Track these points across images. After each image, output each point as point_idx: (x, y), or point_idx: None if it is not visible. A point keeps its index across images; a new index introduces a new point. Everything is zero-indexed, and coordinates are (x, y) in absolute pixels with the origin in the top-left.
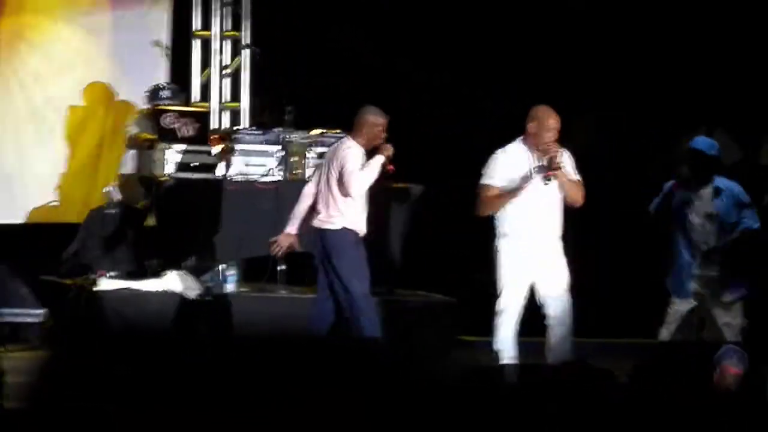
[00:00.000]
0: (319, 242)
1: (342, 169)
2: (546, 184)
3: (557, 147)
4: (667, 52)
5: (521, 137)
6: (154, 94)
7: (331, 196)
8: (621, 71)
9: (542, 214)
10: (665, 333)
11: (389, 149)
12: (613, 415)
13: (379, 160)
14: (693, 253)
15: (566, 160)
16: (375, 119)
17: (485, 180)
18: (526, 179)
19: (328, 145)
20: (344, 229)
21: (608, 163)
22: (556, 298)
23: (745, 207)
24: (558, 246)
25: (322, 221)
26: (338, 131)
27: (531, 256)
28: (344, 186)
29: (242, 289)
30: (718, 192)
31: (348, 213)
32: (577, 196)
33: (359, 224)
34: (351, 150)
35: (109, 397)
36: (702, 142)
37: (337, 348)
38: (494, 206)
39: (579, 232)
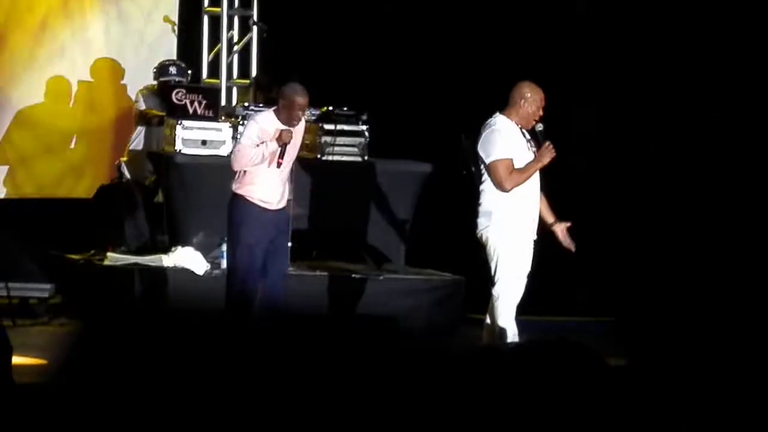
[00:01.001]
0: None
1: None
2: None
3: (541, 125)
4: (673, 47)
5: (503, 112)
6: (162, 70)
7: None
8: (623, 64)
9: (534, 198)
10: None
11: (287, 136)
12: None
13: (271, 146)
14: None
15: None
16: (293, 98)
17: (497, 155)
18: (523, 152)
19: (338, 122)
20: (236, 197)
21: (610, 154)
22: (523, 282)
23: None
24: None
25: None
26: (346, 108)
27: (528, 240)
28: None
29: None
30: None
31: (245, 183)
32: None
33: (257, 195)
34: (251, 121)
35: (122, 372)
36: None
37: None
38: (520, 179)
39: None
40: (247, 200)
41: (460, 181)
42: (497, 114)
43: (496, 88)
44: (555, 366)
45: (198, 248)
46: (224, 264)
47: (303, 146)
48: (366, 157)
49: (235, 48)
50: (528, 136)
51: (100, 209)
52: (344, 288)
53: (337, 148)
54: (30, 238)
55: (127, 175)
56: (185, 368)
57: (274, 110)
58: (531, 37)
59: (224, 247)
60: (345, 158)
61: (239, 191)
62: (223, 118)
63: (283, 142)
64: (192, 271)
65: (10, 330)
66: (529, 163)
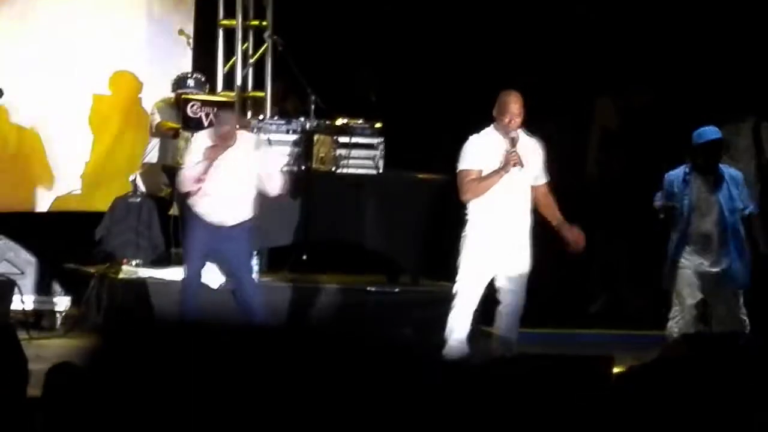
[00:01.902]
0: None
1: None
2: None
3: (515, 133)
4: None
5: (494, 124)
6: (179, 82)
7: None
8: (644, 56)
9: (511, 204)
10: (675, 328)
11: (211, 154)
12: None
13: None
14: (699, 242)
15: (536, 154)
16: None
17: (464, 165)
18: (502, 165)
19: (352, 134)
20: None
21: (632, 149)
22: (513, 291)
23: (745, 192)
24: (524, 237)
25: None
26: (360, 121)
27: (496, 246)
28: None
29: (265, 279)
30: (720, 180)
31: (193, 195)
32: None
33: (200, 208)
34: (192, 141)
35: (135, 386)
36: (712, 132)
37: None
38: (478, 190)
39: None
40: (192, 212)
41: None
42: (492, 125)
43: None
44: (567, 380)
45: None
46: None
47: (318, 159)
48: (381, 170)
49: (250, 61)
50: (515, 148)
51: (114, 222)
52: (358, 300)
53: (351, 161)
54: (46, 251)
55: (142, 187)
56: (200, 381)
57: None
58: (543, 46)
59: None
60: (360, 171)
61: (188, 202)
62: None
63: (207, 159)
64: (206, 285)
65: (25, 343)
66: (491, 172)
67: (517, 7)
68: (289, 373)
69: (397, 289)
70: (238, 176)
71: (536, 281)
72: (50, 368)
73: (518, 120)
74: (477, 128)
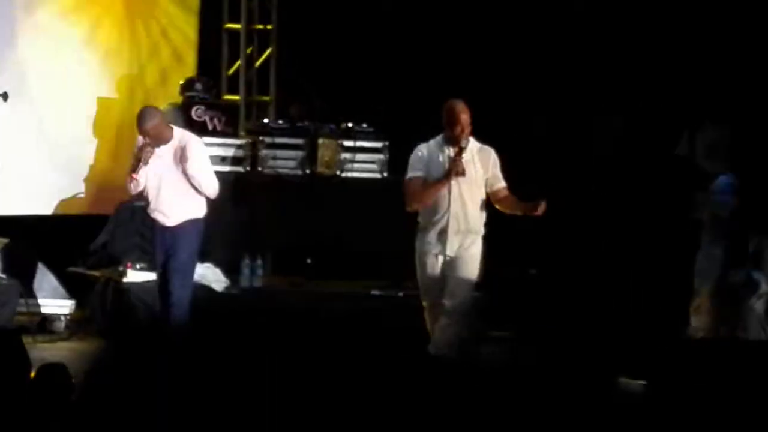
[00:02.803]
0: None
1: None
2: (460, 174)
3: (466, 142)
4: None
5: (443, 133)
6: (188, 85)
7: None
8: (649, 71)
9: (453, 210)
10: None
11: (143, 154)
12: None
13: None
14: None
15: (488, 162)
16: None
17: (409, 173)
18: (445, 173)
19: (357, 138)
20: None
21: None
22: (459, 296)
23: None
24: (474, 244)
25: None
26: (365, 125)
27: (442, 251)
28: None
29: (270, 283)
30: (730, 186)
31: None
32: (500, 202)
33: (151, 211)
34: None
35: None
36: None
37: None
38: (423, 198)
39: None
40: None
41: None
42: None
43: (513, 103)
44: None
45: (218, 265)
46: (243, 281)
47: (322, 163)
48: (385, 174)
49: (255, 64)
50: (462, 157)
51: (119, 226)
52: (363, 304)
53: (356, 165)
54: (50, 255)
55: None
56: (206, 382)
57: None
58: (548, 58)
59: (248, 263)
60: (364, 175)
61: (202, 209)
62: (242, 134)
63: (135, 159)
64: (211, 288)
65: (29, 347)
66: (432, 181)
67: (524, 19)
68: (293, 374)
69: (401, 293)
70: (172, 176)
71: (545, 288)
72: (38, 369)
73: (468, 129)
74: (483, 133)
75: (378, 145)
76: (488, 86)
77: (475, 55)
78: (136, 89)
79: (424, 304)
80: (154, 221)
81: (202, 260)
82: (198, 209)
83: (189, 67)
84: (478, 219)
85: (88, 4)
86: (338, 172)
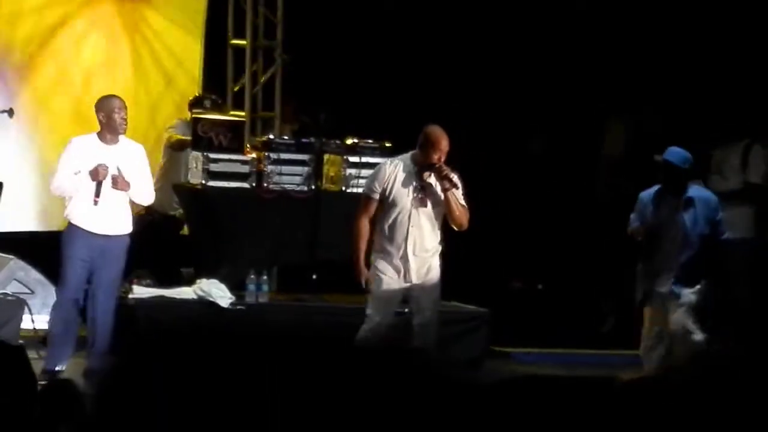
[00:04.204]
0: None
1: None
2: (448, 189)
3: (447, 167)
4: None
5: (411, 152)
6: (196, 102)
7: None
8: (658, 76)
9: (414, 234)
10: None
11: (102, 173)
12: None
13: (86, 181)
14: (664, 262)
15: (456, 183)
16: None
17: (368, 192)
18: (407, 194)
19: (362, 154)
20: (68, 224)
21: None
22: (428, 312)
23: (719, 220)
24: (434, 261)
25: None
26: (370, 141)
27: (403, 274)
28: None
29: (276, 298)
30: (689, 202)
31: (70, 204)
32: (463, 220)
33: (77, 218)
34: (68, 145)
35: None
36: (674, 153)
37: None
38: (357, 247)
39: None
40: (71, 223)
41: (484, 213)
42: (410, 153)
43: (521, 120)
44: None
45: (223, 280)
46: (249, 297)
47: (327, 178)
48: None
49: (260, 80)
50: (424, 181)
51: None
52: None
53: (362, 181)
54: (56, 271)
55: (154, 207)
56: (212, 401)
57: (98, 132)
58: (554, 67)
59: (254, 279)
60: None
61: (65, 214)
62: (248, 150)
63: (97, 179)
64: (217, 304)
65: (35, 362)
66: (393, 205)
67: (529, 28)
68: (298, 389)
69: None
70: (134, 184)
71: (547, 303)
72: (45, 385)
73: (445, 156)
74: (487, 149)
75: (383, 160)
76: (495, 100)
77: (482, 69)
78: (141, 103)
79: (376, 318)
80: (74, 228)
81: (209, 276)
82: (130, 222)
83: (195, 83)
84: (435, 239)
85: (93, 24)
86: (344, 188)
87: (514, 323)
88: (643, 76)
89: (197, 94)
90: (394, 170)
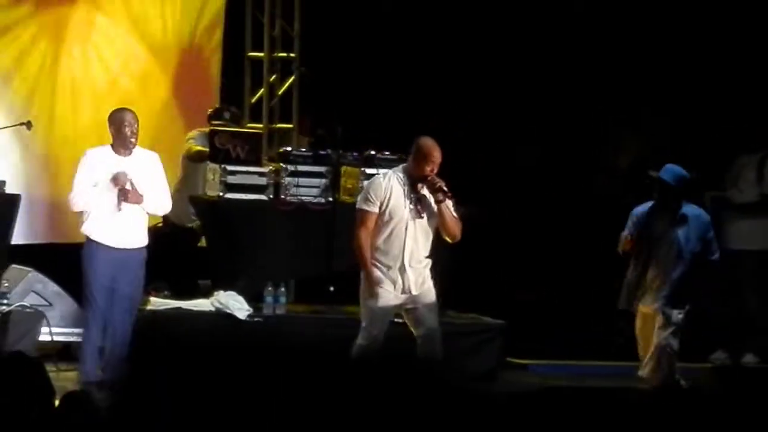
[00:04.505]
0: None
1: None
2: (441, 200)
3: (439, 179)
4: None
5: (403, 165)
6: (216, 114)
7: None
8: (677, 78)
9: (406, 245)
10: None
11: (122, 180)
12: None
13: (107, 191)
14: (656, 277)
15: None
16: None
17: (367, 206)
18: (403, 206)
19: (380, 166)
20: (87, 240)
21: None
22: (430, 323)
23: (710, 239)
24: (428, 273)
25: None
26: (387, 153)
27: (400, 286)
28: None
29: (293, 310)
30: (682, 221)
31: (87, 221)
32: (456, 231)
33: (97, 234)
34: (82, 158)
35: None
36: (669, 171)
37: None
38: (363, 260)
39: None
40: (90, 238)
41: (497, 225)
42: (400, 166)
43: (535, 130)
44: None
45: (240, 292)
46: (266, 309)
47: (344, 190)
48: None
49: (278, 93)
50: (418, 193)
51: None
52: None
53: None
54: (74, 283)
55: (171, 219)
56: (230, 412)
57: (111, 144)
58: (565, 75)
59: (271, 291)
60: None
61: (83, 230)
62: (265, 162)
63: (119, 186)
64: (234, 316)
65: (53, 375)
66: (391, 218)
67: (541, 36)
68: (315, 401)
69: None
70: (145, 188)
71: (561, 315)
72: (63, 397)
73: (437, 168)
74: (505, 161)
75: (377, 174)
76: (512, 112)
77: (500, 80)
78: (162, 117)
79: (374, 331)
80: (93, 244)
81: (226, 288)
82: (146, 235)
83: (212, 95)
84: (427, 251)
85: (120, 35)
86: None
87: (530, 335)
88: (658, 90)
89: (217, 106)
90: (389, 183)
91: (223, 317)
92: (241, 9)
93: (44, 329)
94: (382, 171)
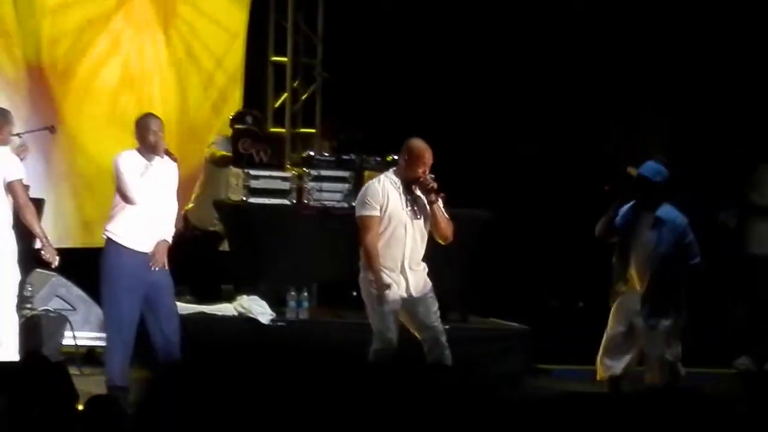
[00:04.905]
0: None
1: (115, 177)
2: (434, 201)
3: (431, 180)
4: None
5: (393, 169)
6: (238, 118)
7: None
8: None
9: (407, 247)
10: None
11: (161, 147)
12: None
13: (156, 164)
14: (636, 275)
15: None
16: (146, 125)
17: (368, 211)
18: (401, 209)
19: None
20: (107, 241)
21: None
22: (431, 328)
23: (687, 243)
24: (426, 274)
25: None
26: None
27: (404, 288)
28: (123, 196)
29: (316, 314)
30: (657, 222)
31: (114, 224)
32: (449, 232)
33: (124, 238)
34: (119, 161)
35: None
36: (647, 167)
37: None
38: (373, 266)
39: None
40: (115, 242)
41: (521, 230)
42: (390, 170)
43: (558, 137)
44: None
45: (264, 297)
46: (289, 314)
47: None
48: None
49: (301, 97)
50: (413, 195)
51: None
52: (408, 337)
53: None
54: (97, 287)
55: (194, 223)
56: (252, 416)
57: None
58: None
59: (294, 295)
60: None
61: (109, 233)
62: (288, 166)
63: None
64: (257, 320)
65: (76, 379)
66: (391, 218)
67: (542, 36)
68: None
69: (446, 326)
70: (168, 197)
71: (592, 320)
72: (87, 401)
73: (428, 169)
74: (527, 165)
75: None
76: (535, 117)
77: (525, 86)
78: (183, 121)
79: (389, 334)
80: (118, 248)
81: (249, 292)
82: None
83: (235, 100)
84: (423, 252)
85: (140, 42)
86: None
87: (555, 341)
88: (659, 89)
89: (239, 110)
90: (385, 187)
91: (245, 321)
92: (265, 14)
93: (68, 333)
94: (376, 177)
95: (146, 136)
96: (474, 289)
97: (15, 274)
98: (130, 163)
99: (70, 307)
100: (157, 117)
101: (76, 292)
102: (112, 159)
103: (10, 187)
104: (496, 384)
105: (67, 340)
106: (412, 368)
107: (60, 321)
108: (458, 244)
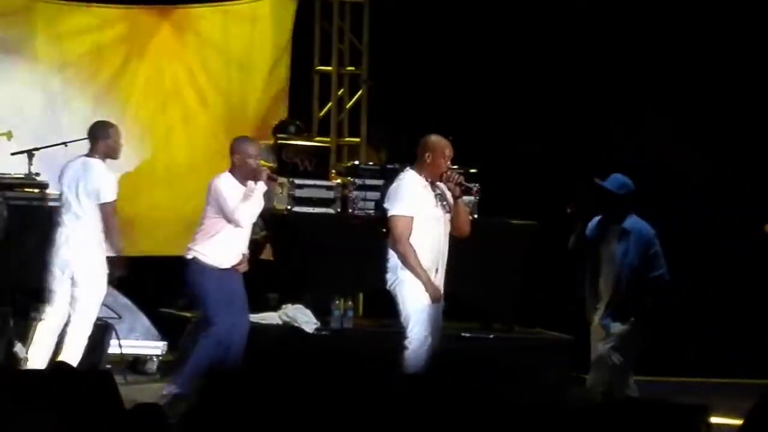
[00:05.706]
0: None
1: (218, 200)
2: (459, 196)
3: (456, 174)
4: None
5: (411, 166)
6: (280, 128)
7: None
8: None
9: (440, 244)
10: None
11: (263, 172)
12: None
13: (260, 188)
14: (603, 288)
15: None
16: (248, 150)
17: (401, 211)
18: (432, 207)
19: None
20: (195, 261)
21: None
22: (438, 330)
23: (651, 255)
24: (443, 273)
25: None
26: (455, 166)
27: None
28: (229, 219)
29: (361, 324)
30: (623, 234)
31: (208, 245)
32: (468, 227)
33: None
34: (219, 185)
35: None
36: (612, 180)
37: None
38: (414, 268)
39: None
40: (205, 263)
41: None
42: (408, 168)
43: (599, 150)
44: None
45: (308, 306)
46: (334, 323)
47: None
48: (475, 215)
49: (346, 107)
50: (438, 191)
51: None
52: (453, 346)
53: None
54: (143, 296)
55: None
56: (297, 427)
57: (230, 170)
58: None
59: (339, 305)
60: None
61: (202, 256)
62: (333, 175)
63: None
64: (302, 329)
65: (122, 387)
66: (425, 217)
67: (543, 35)
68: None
69: (491, 336)
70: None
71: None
72: (132, 408)
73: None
74: (568, 173)
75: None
76: (576, 126)
77: (567, 95)
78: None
79: (429, 339)
80: (206, 266)
81: (294, 301)
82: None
83: (281, 109)
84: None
85: (182, 51)
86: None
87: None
88: (660, 89)
89: (282, 119)
90: (414, 187)
91: (290, 330)
92: (310, 23)
93: (113, 341)
94: (398, 179)
95: (246, 161)
96: (520, 299)
97: (102, 287)
98: (228, 187)
99: (115, 316)
100: (254, 142)
101: (122, 301)
102: (210, 182)
103: (100, 208)
104: (536, 393)
105: (113, 348)
106: (450, 378)
107: (106, 329)
108: (506, 255)
